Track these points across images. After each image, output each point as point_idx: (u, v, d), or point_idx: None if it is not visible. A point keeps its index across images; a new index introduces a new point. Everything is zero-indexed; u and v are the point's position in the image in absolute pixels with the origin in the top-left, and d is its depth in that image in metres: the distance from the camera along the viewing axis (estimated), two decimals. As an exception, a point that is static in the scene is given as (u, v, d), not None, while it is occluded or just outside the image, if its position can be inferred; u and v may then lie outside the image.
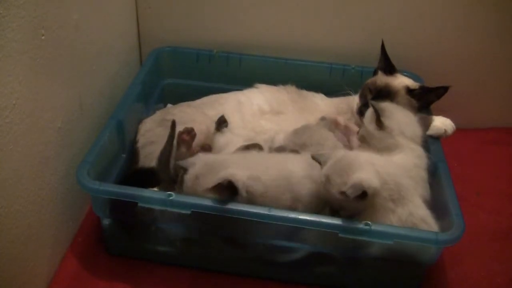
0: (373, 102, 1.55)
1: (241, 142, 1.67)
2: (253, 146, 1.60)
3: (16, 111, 1.22)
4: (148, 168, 1.57)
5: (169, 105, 2.00)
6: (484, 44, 1.98)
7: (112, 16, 1.81)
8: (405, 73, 1.83)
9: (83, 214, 1.68)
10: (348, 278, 1.51)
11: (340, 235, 1.32)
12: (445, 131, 1.64)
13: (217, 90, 1.94)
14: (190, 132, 1.59)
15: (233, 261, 1.53)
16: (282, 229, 1.38)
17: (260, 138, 1.72)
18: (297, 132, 1.65)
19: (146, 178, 1.54)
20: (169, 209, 1.36)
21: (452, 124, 1.65)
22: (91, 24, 1.59)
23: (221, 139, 1.69)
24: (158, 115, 1.78)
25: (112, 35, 1.82)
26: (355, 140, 1.64)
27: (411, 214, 1.34)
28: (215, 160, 1.42)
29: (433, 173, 1.52)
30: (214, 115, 1.77)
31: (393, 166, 1.40)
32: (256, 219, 1.33)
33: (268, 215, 1.33)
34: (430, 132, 1.63)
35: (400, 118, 1.54)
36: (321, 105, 1.87)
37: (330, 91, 1.89)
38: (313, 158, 1.38)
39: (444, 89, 1.67)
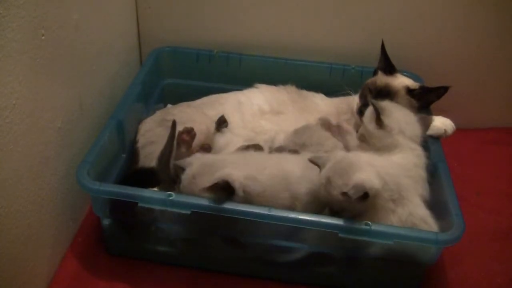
0: (373, 101, 1.55)
1: (241, 142, 1.67)
2: (253, 147, 1.60)
3: (16, 111, 1.22)
4: (148, 168, 1.57)
5: (169, 105, 2.00)
6: (484, 44, 1.97)
7: (112, 16, 1.81)
8: (405, 73, 1.83)
9: (83, 214, 1.68)
10: (348, 278, 1.51)
11: (340, 235, 1.32)
12: (445, 131, 1.64)
13: (217, 90, 1.94)
14: (190, 132, 1.59)
15: (233, 261, 1.53)
16: (282, 229, 1.38)
17: (260, 138, 1.72)
18: (297, 132, 1.65)
19: (146, 178, 1.53)
20: (169, 209, 1.36)
21: (452, 124, 1.65)
22: (91, 24, 1.59)
23: (221, 139, 1.69)
24: (158, 115, 1.78)
25: (112, 35, 1.82)
26: (350, 139, 1.64)
27: (411, 214, 1.34)
28: (212, 160, 1.42)
29: (433, 173, 1.52)
30: (214, 115, 1.77)
31: (393, 166, 1.40)
32: (256, 219, 1.33)
33: (268, 215, 1.32)
34: (430, 132, 1.63)
35: (400, 117, 1.54)
36: (321, 105, 1.87)
37: (330, 91, 1.89)
38: (311, 161, 1.37)
39: (444, 89, 1.67)
